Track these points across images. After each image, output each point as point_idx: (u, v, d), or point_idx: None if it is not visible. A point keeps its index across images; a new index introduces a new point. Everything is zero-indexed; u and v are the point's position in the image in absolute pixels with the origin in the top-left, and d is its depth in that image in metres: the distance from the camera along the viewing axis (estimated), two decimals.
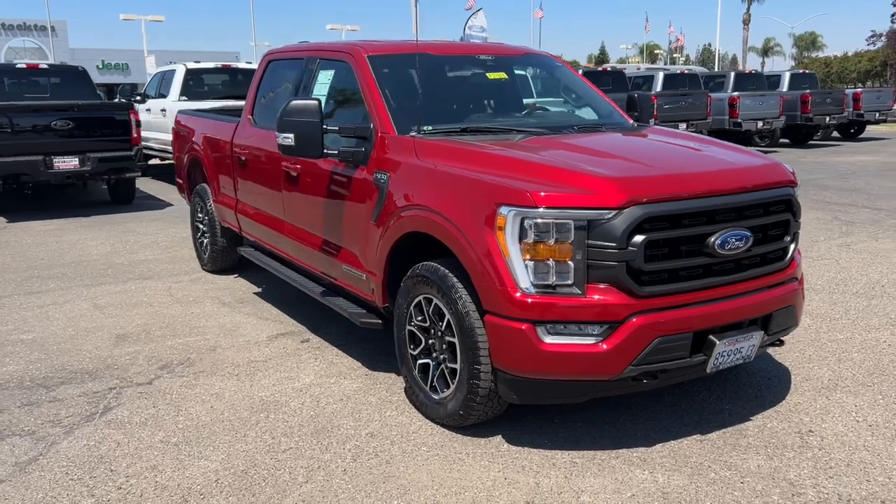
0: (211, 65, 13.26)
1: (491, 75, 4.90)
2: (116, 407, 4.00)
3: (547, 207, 3.14)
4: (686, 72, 20.75)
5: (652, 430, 3.64)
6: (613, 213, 3.13)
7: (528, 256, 3.17)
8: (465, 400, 3.48)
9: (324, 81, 4.84)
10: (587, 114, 4.91)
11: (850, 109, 19.82)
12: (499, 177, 3.38)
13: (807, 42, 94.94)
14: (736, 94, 17.18)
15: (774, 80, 21.07)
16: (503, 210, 3.20)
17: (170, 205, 11.17)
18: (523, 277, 3.18)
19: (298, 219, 4.92)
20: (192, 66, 12.84)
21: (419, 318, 3.79)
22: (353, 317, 4.35)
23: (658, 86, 18.43)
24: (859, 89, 21.01)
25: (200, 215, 6.95)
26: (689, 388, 4.10)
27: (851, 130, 21.61)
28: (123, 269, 7.11)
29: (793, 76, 21.52)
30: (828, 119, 18.99)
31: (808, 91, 18.85)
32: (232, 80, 13.06)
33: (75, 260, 7.50)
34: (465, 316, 3.41)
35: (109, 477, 3.26)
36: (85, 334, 5.19)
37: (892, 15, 29.29)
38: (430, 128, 4.13)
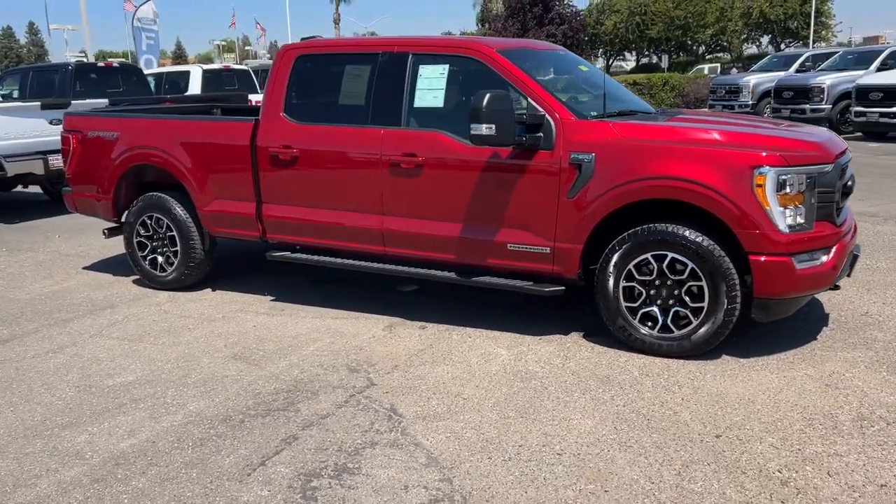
0: None
1: (583, 68, 5.60)
2: (402, 407, 3.94)
3: (796, 166, 4.18)
4: None
5: (793, 336, 4.85)
6: (830, 166, 4.30)
7: (783, 205, 4.16)
8: (718, 329, 4.34)
9: (432, 76, 5.02)
10: (633, 99, 5.83)
11: None
12: (739, 146, 4.29)
13: None
14: None
15: None
16: (763, 170, 4.14)
17: None
18: (781, 222, 4.17)
19: (418, 211, 5.03)
20: None
21: (642, 275, 4.48)
22: (532, 289, 4.79)
23: None
24: None
25: (145, 231, 6.24)
26: None
27: None
28: (56, 304, 6.03)
29: None
30: None
31: None
32: None
33: None
34: (722, 260, 4.26)
35: (543, 449, 3.45)
36: (190, 364, 4.63)
37: (477, 18, 34.72)
38: (594, 113, 4.78)
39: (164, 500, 3.11)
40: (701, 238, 4.28)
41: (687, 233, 4.30)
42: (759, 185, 4.14)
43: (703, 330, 4.37)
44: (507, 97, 4.45)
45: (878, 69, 17.98)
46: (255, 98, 14.05)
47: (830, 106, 17.67)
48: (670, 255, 4.38)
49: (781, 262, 4.18)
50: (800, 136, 4.55)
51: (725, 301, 4.29)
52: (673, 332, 4.46)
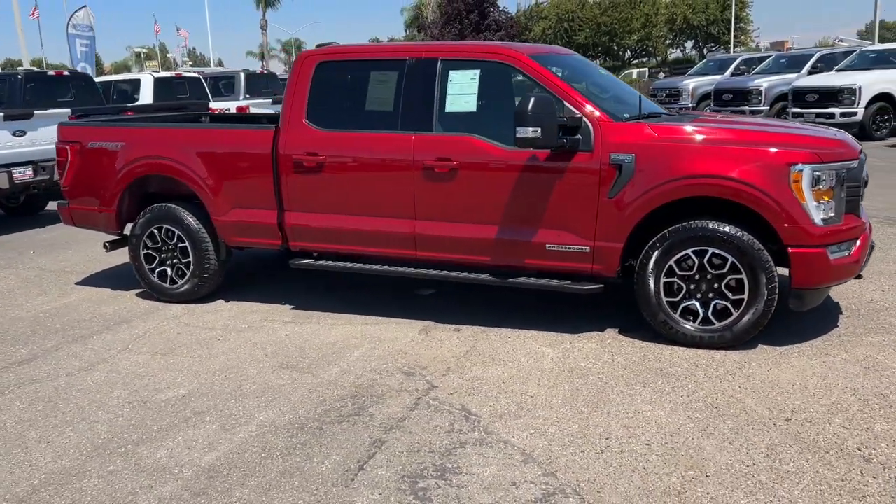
0: None
1: (601, 72, 5.74)
2: (474, 407, 3.99)
3: (828, 162, 4.43)
4: (265, 71, 21.39)
5: (815, 324, 5.10)
6: (856, 162, 4.57)
7: (816, 200, 4.41)
8: (758, 319, 4.55)
9: (462, 81, 5.09)
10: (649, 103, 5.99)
11: None
12: (775, 144, 4.51)
13: (293, 48, 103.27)
14: None
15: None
16: (799, 167, 4.37)
17: None
18: (816, 215, 4.41)
19: (452, 214, 5.08)
20: None
21: (682, 270, 4.66)
22: (570, 288, 4.91)
23: (241, 84, 17.93)
24: None
25: (153, 243, 6.09)
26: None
27: None
28: (64, 320, 5.82)
29: None
30: None
31: None
32: None
33: None
34: (761, 254, 4.47)
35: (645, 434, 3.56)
36: (238, 375, 4.56)
37: (405, 24, 34.85)
38: (627, 115, 4.94)
39: None
40: (741, 233, 4.48)
41: (727, 228, 4.49)
42: (796, 181, 4.37)
43: (743, 321, 4.57)
44: (550, 101, 4.58)
45: (810, 72, 18.92)
46: (213, 106, 13.81)
47: (768, 107, 18.50)
48: (711, 250, 4.56)
49: (818, 254, 4.42)
50: (828, 135, 4.81)
51: (766, 292, 4.50)
52: (714, 324, 4.65)
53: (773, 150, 4.47)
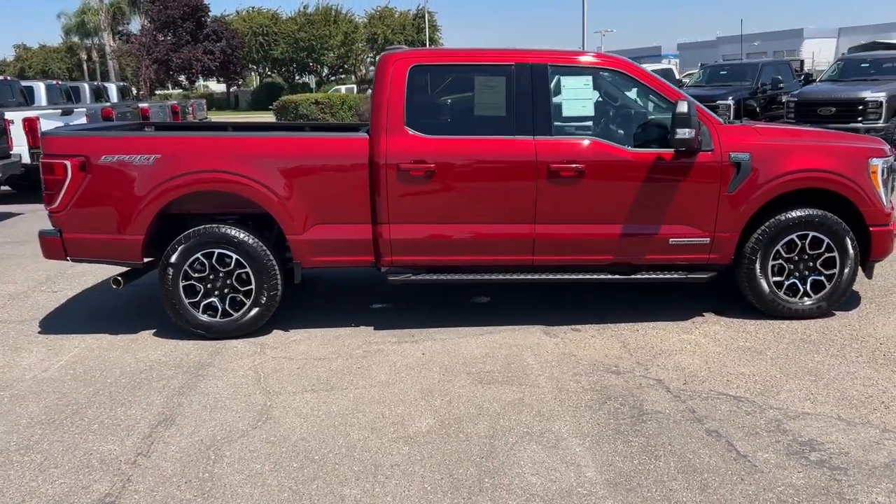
0: None
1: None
2: (726, 390, 4.25)
3: (888, 157, 5.48)
4: (7, 78, 18.42)
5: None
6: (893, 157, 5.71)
7: (884, 186, 5.43)
8: (848, 287, 5.43)
9: (576, 87, 5.27)
10: None
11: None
12: (855, 142, 5.46)
13: None
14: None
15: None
16: (875, 161, 5.34)
17: None
18: (885, 200, 5.43)
19: (577, 216, 5.21)
20: None
21: (787, 253, 5.38)
22: (695, 278, 5.38)
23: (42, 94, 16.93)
24: (146, 104, 21.53)
25: (196, 272, 5.28)
26: None
27: None
28: (116, 374, 4.74)
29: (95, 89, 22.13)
30: None
31: (108, 105, 18.17)
32: None
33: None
34: (849, 233, 5.36)
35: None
36: (450, 397, 4.24)
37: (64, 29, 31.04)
38: (723, 119, 5.54)
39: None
40: (834, 217, 5.31)
41: (828, 214, 5.29)
42: (874, 172, 5.32)
43: (838, 291, 5.41)
44: (695, 105, 4.99)
45: None
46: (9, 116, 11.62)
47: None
48: (811, 233, 5.33)
49: (888, 231, 5.42)
50: (871, 136, 5.87)
51: (853, 266, 5.38)
52: (811, 296, 5.42)
53: (856, 146, 5.39)
